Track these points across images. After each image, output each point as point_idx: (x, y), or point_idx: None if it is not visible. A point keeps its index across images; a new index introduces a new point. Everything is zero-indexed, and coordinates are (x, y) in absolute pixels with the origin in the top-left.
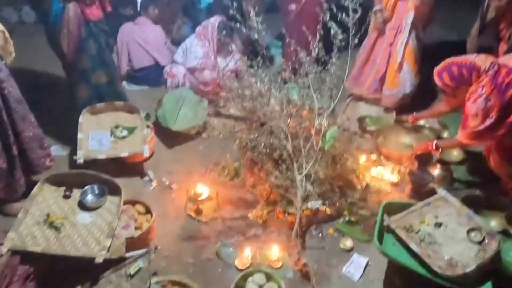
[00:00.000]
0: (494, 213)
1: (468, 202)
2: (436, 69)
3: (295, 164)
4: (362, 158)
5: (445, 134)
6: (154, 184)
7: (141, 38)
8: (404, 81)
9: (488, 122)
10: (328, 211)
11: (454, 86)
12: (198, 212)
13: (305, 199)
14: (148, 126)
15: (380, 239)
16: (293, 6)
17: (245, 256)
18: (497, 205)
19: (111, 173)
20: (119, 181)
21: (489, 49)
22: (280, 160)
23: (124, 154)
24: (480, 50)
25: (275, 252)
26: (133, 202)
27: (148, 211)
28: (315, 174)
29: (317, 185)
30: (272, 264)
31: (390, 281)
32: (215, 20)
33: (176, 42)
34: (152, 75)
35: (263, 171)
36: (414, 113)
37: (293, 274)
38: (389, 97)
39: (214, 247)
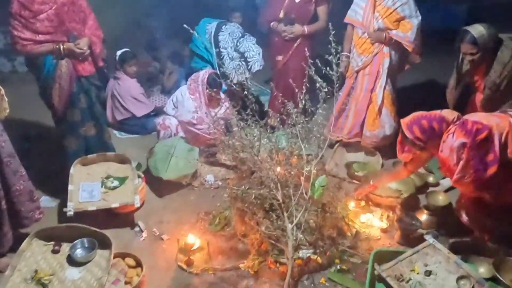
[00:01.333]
0: (482, 259)
1: (456, 248)
2: (405, 122)
3: (285, 214)
4: (351, 205)
5: (431, 179)
6: (144, 235)
7: (117, 91)
8: (383, 123)
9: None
10: (319, 260)
11: (426, 139)
12: (189, 263)
13: (296, 248)
14: (139, 176)
15: None
16: (279, 57)
17: None
18: (484, 251)
19: (101, 224)
20: (109, 233)
21: (467, 100)
22: (271, 210)
23: (115, 205)
24: (458, 100)
25: None
26: (123, 255)
27: (138, 264)
28: (305, 223)
29: (307, 233)
30: None
31: None
32: (204, 74)
33: (167, 92)
34: (134, 127)
35: (254, 220)
36: (371, 182)
37: None
38: (370, 138)
39: None
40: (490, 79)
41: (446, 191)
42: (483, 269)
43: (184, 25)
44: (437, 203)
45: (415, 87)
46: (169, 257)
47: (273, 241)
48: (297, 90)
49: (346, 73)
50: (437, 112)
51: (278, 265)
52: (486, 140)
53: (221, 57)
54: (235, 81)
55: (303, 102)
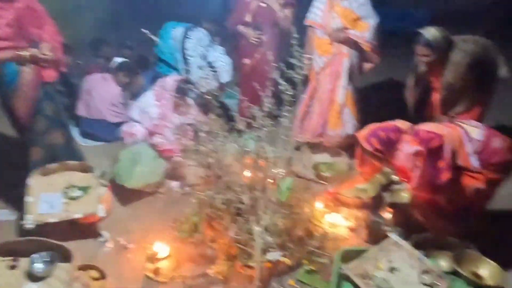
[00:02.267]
0: (443, 253)
1: (419, 244)
2: (362, 135)
3: (251, 217)
4: (319, 205)
5: (395, 177)
6: (109, 245)
7: (98, 92)
8: (346, 122)
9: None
10: (288, 261)
11: (384, 150)
12: (157, 272)
13: (265, 251)
14: (103, 185)
15: None
16: (247, 61)
17: None
18: (446, 245)
19: (63, 236)
20: (72, 245)
21: (426, 100)
22: (238, 214)
23: (77, 215)
24: (418, 100)
25: None
26: (86, 268)
27: (103, 276)
28: (273, 225)
29: (276, 236)
30: None
31: None
32: (173, 80)
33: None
34: (102, 131)
35: (222, 225)
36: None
37: None
38: (333, 137)
39: None
40: (445, 79)
41: None
42: (444, 263)
43: (142, 30)
44: (401, 200)
45: (376, 87)
46: (136, 267)
47: (241, 245)
48: (268, 94)
49: (309, 75)
50: (391, 123)
51: (247, 269)
52: (439, 148)
53: (188, 64)
54: (203, 91)
55: (268, 105)
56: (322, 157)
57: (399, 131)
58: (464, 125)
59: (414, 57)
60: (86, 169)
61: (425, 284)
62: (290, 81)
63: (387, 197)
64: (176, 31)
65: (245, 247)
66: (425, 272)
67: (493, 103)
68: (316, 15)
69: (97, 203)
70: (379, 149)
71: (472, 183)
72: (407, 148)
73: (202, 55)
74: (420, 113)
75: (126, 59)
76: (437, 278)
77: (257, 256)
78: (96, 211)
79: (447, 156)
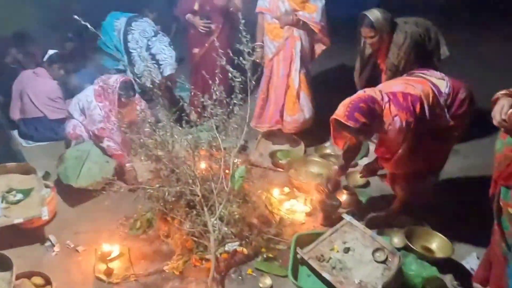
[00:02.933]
0: (395, 231)
1: (373, 223)
2: (341, 114)
3: (205, 208)
4: (276, 192)
5: None
6: (56, 249)
7: (32, 89)
8: (302, 107)
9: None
10: (245, 251)
11: (370, 121)
12: (109, 273)
13: (222, 242)
14: (47, 186)
15: (296, 273)
16: (196, 50)
17: None
18: (397, 223)
19: (4, 244)
20: (14, 252)
21: (374, 81)
22: (191, 206)
23: (18, 220)
24: (367, 81)
25: None
26: (29, 275)
27: (48, 282)
28: (229, 215)
29: (232, 226)
30: None
31: None
32: (115, 81)
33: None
34: (43, 129)
35: (176, 219)
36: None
37: None
38: (290, 123)
39: None
40: (389, 60)
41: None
42: (397, 239)
43: (75, 16)
44: (356, 182)
45: (328, 72)
46: (86, 270)
47: (196, 238)
48: (217, 82)
49: (263, 63)
50: (361, 93)
51: (203, 262)
52: (421, 110)
53: (131, 57)
54: (148, 84)
55: (217, 93)
56: (279, 145)
57: (375, 101)
58: (432, 79)
59: (360, 40)
60: (27, 171)
61: (378, 261)
62: (240, 68)
63: (343, 180)
64: (119, 22)
65: (201, 239)
66: (378, 249)
67: None
68: (264, 0)
69: (40, 205)
70: (365, 122)
71: (439, 141)
72: (398, 122)
73: (146, 47)
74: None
75: (57, 51)
76: (389, 255)
77: (211, 248)
78: (39, 214)
79: (427, 116)
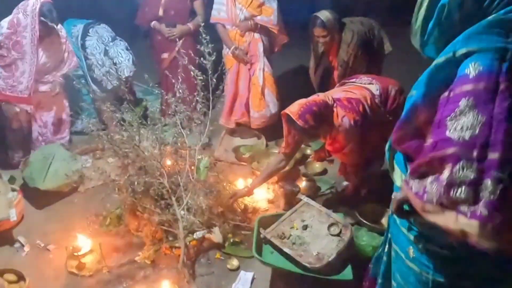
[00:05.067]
0: (349, 210)
1: (329, 204)
2: (294, 112)
3: (173, 198)
4: (240, 183)
5: (308, 151)
6: (26, 249)
7: None
8: (268, 102)
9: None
10: (214, 238)
11: (318, 125)
12: (81, 267)
13: (190, 230)
14: (13, 190)
15: (260, 251)
16: (165, 55)
17: None
18: (351, 203)
19: None
20: None
21: (328, 78)
22: (159, 197)
23: None
24: (321, 79)
25: (165, 287)
26: (1, 273)
27: (20, 278)
28: (197, 205)
29: (199, 215)
30: None
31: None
32: (35, 2)
33: None
34: None
35: (146, 212)
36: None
37: None
38: (258, 118)
39: None
40: (340, 57)
41: (321, 160)
42: (350, 217)
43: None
44: (314, 170)
45: (288, 72)
46: (58, 266)
47: (166, 228)
48: (180, 81)
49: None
50: (316, 97)
51: (173, 250)
52: (363, 112)
53: (91, 63)
54: (109, 88)
55: (180, 91)
56: (242, 140)
57: (327, 105)
58: (363, 85)
59: (312, 39)
60: None
61: (333, 235)
62: (202, 68)
63: (302, 169)
64: (76, 29)
65: (169, 228)
66: (333, 224)
67: (383, 74)
68: (220, 11)
69: (7, 208)
70: (313, 125)
71: (381, 132)
72: (347, 121)
73: (103, 51)
74: (324, 90)
75: None
76: (343, 228)
77: (180, 234)
78: (7, 216)
79: (369, 115)
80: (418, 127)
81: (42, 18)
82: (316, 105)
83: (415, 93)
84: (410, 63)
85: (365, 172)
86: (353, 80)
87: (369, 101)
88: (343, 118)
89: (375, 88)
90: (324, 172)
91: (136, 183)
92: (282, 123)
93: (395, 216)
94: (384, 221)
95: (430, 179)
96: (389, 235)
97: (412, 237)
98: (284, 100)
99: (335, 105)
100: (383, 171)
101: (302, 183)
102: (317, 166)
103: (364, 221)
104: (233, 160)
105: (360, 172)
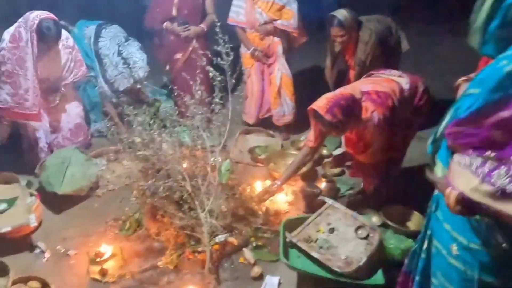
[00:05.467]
0: (372, 212)
1: (352, 206)
2: (321, 107)
3: (197, 202)
4: (258, 186)
5: (325, 151)
6: (47, 255)
7: None
8: (283, 102)
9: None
10: (236, 241)
11: (346, 119)
12: (103, 273)
13: (212, 234)
14: (31, 194)
15: (286, 255)
16: (179, 55)
17: None
18: (373, 205)
19: None
20: (5, 261)
21: (344, 78)
22: (182, 201)
23: (6, 229)
24: (337, 77)
25: None
26: (25, 280)
27: (45, 285)
28: (217, 208)
29: (220, 219)
30: None
31: None
32: (35, 18)
33: None
34: None
35: (166, 216)
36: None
37: None
38: (275, 116)
39: None
40: (357, 57)
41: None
42: (375, 218)
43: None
44: (332, 171)
45: (304, 72)
46: (80, 272)
47: (188, 232)
48: (198, 82)
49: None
50: (344, 91)
51: (196, 254)
52: (393, 104)
53: (104, 64)
54: (121, 89)
55: (199, 93)
56: (257, 141)
57: (355, 100)
58: (392, 77)
59: (329, 39)
60: (9, 180)
61: (361, 238)
62: (218, 68)
63: (320, 170)
64: (89, 30)
65: (192, 233)
66: (360, 227)
67: None
68: (239, 14)
69: (27, 213)
70: (341, 119)
71: (407, 129)
72: (376, 116)
73: (117, 52)
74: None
75: None
76: (370, 231)
77: (204, 239)
78: (27, 221)
79: (398, 111)
80: (483, 125)
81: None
82: (344, 99)
83: (477, 92)
84: (423, 63)
85: (386, 172)
86: (382, 72)
87: (398, 95)
88: (372, 112)
89: (405, 82)
90: (342, 173)
91: (161, 188)
92: (297, 124)
93: (454, 211)
94: (410, 223)
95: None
96: (428, 231)
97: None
98: (299, 101)
99: (363, 98)
100: (405, 172)
101: (322, 185)
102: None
103: (391, 223)
104: (248, 161)
105: (381, 173)
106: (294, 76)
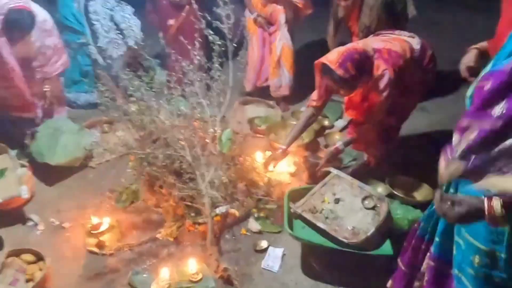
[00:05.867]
0: (377, 182)
1: (356, 175)
2: (333, 61)
3: (197, 172)
4: (259, 156)
5: (326, 122)
6: (41, 227)
7: None
8: (281, 73)
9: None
10: (237, 213)
11: (358, 74)
12: (101, 245)
13: (213, 205)
14: (23, 165)
15: (290, 226)
16: (171, 21)
17: (162, 278)
18: (377, 175)
19: None
20: None
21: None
22: (182, 171)
23: None
24: (340, 45)
25: (192, 266)
26: (17, 253)
27: (39, 258)
28: (218, 179)
29: (221, 189)
30: (192, 278)
31: (307, 264)
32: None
33: None
34: None
35: (164, 187)
36: (281, 148)
37: (215, 282)
38: (271, 86)
39: (126, 277)
40: (361, 22)
41: (341, 130)
42: (381, 188)
43: None
44: (334, 142)
45: (308, 46)
46: (76, 245)
47: (188, 203)
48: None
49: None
50: (356, 45)
51: (197, 226)
52: (404, 64)
53: (95, 30)
54: (114, 56)
55: (198, 58)
56: (256, 111)
57: (367, 55)
58: (403, 37)
59: (333, 4)
60: None
61: (368, 208)
62: (219, 32)
63: (321, 141)
64: None
65: (192, 203)
66: (367, 197)
67: None
68: None
69: (18, 184)
70: (354, 74)
71: (412, 94)
72: (387, 75)
73: (109, 17)
74: None
75: None
76: (377, 201)
77: (206, 210)
78: (19, 193)
79: (406, 74)
80: None
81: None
82: (357, 53)
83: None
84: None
85: (386, 144)
86: (390, 32)
87: (408, 55)
88: (384, 71)
89: (416, 42)
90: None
91: (160, 157)
92: (294, 94)
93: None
94: (417, 194)
95: None
96: (451, 189)
97: None
98: (298, 75)
99: (375, 56)
100: (409, 140)
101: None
102: (337, 138)
103: (398, 193)
104: (248, 132)
105: (382, 144)
106: (298, 49)
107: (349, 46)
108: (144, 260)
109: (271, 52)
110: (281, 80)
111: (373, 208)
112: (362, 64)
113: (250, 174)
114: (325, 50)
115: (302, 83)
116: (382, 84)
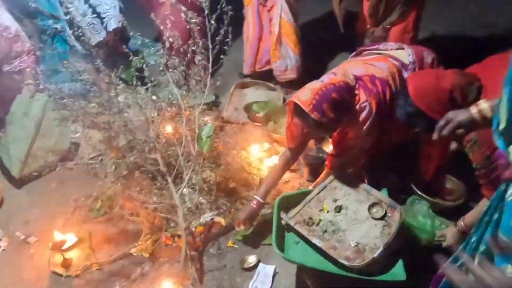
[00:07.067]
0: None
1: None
2: (305, 102)
3: (169, 178)
4: (255, 150)
5: None
6: (3, 243)
7: None
8: (284, 54)
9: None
10: (223, 221)
11: (337, 118)
12: (66, 264)
13: (195, 214)
14: None
15: (281, 241)
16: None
17: None
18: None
19: None
20: None
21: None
22: (154, 178)
23: None
24: (347, 13)
25: None
26: None
27: None
28: (199, 184)
29: (205, 194)
30: None
31: (303, 285)
32: None
33: None
34: None
35: (140, 195)
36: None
37: None
38: (275, 70)
39: None
40: None
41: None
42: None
43: None
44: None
45: (317, 20)
46: (40, 264)
47: (164, 214)
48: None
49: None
50: (333, 78)
51: (176, 239)
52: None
53: (70, 13)
54: (93, 43)
55: (170, 40)
56: (256, 95)
57: (349, 88)
58: (390, 52)
59: None
60: None
61: (376, 218)
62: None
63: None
64: None
65: (169, 215)
66: (375, 204)
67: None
68: None
69: None
70: (332, 117)
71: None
72: (367, 108)
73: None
74: (350, 29)
75: None
76: (388, 209)
77: (180, 223)
78: None
79: (394, 97)
80: None
81: None
82: (336, 90)
83: None
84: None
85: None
86: (375, 47)
87: (397, 80)
88: (363, 103)
89: (406, 54)
90: None
91: (131, 159)
92: (303, 81)
93: None
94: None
95: None
96: None
97: None
98: (306, 54)
99: (357, 85)
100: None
101: (329, 146)
102: None
103: (425, 196)
104: (245, 120)
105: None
106: (304, 24)
107: (325, 80)
108: (114, 281)
109: (271, 31)
110: (286, 61)
111: (383, 217)
112: (342, 103)
113: (240, 173)
114: (332, 26)
115: (311, 65)
116: (361, 117)
